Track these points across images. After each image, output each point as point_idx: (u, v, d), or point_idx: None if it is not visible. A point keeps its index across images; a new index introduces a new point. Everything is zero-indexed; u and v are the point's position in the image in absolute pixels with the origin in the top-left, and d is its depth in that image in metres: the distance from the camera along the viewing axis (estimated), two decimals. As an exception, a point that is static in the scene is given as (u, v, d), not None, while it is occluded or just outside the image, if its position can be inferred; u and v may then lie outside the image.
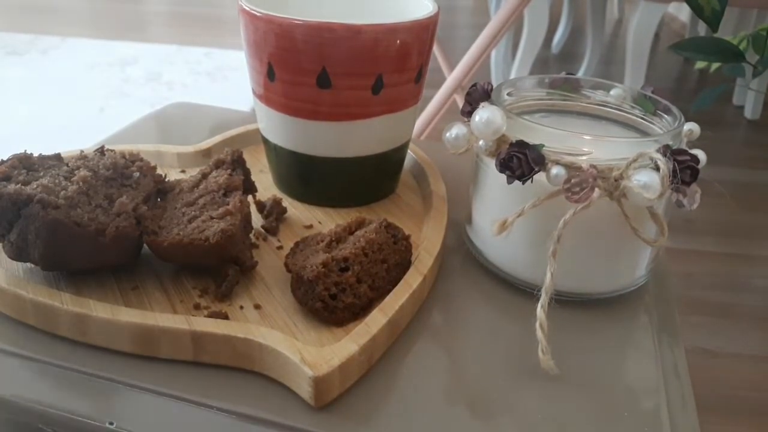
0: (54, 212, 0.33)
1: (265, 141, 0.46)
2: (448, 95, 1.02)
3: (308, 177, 0.45)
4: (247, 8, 0.41)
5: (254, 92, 0.44)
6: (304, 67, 0.40)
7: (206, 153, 0.50)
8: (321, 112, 0.42)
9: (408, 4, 0.46)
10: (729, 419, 0.90)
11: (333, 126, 0.42)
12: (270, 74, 0.42)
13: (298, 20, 0.39)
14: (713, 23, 0.51)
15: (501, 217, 0.36)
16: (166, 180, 0.41)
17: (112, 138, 0.56)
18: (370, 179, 0.46)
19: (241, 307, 0.35)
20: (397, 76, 0.42)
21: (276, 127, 0.44)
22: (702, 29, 2.59)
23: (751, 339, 1.07)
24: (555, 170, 0.34)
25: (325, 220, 0.44)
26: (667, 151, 0.34)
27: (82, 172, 0.37)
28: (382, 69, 0.41)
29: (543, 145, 0.35)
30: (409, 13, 0.43)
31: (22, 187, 0.34)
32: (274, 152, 0.46)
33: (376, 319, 0.33)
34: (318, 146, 0.43)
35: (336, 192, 0.45)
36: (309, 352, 0.30)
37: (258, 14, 0.40)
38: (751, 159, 1.80)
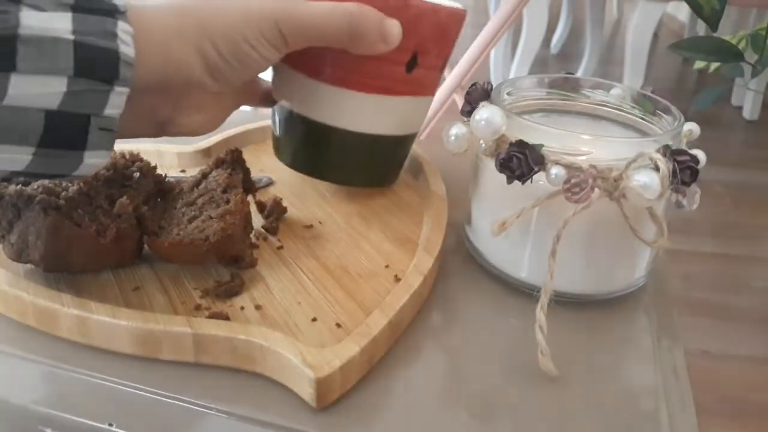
0: (55, 213, 0.33)
1: (279, 108, 0.44)
2: (447, 95, 1.02)
3: (319, 148, 0.44)
4: None
5: None
6: None
7: (206, 153, 0.50)
8: (349, 80, 0.40)
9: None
10: (729, 421, 0.90)
11: (357, 96, 0.41)
12: None
13: None
14: (713, 22, 0.51)
15: (500, 218, 0.36)
16: (167, 180, 0.41)
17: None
18: (381, 161, 0.45)
19: (242, 308, 0.35)
20: (429, 59, 0.41)
21: (294, 89, 0.42)
22: (701, 29, 2.60)
23: (751, 340, 1.07)
24: (555, 170, 0.34)
25: (325, 220, 0.44)
26: (666, 151, 0.34)
27: (83, 173, 0.37)
28: (419, 47, 0.40)
29: (543, 145, 0.35)
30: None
31: (23, 188, 0.34)
32: (286, 118, 0.44)
33: (377, 320, 0.33)
34: (338, 116, 0.42)
35: (345, 167, 0.44)
36: (310, 353, 0.30)
37: None
38: (749, 159, 1.80)
